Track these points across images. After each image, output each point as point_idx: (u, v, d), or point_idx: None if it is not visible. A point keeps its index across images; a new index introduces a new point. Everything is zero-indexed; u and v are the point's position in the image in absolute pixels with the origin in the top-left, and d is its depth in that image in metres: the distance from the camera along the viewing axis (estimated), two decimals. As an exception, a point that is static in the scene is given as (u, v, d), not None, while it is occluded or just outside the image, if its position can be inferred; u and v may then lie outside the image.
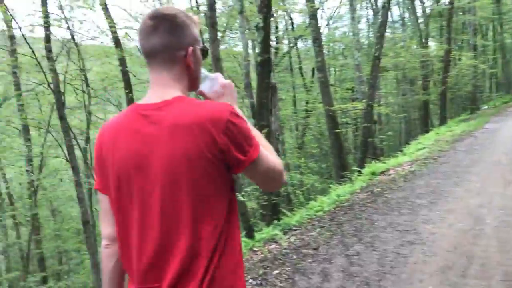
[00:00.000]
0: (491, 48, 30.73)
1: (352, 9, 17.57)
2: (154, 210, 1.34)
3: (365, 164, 14.51)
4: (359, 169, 12.00)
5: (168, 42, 1.42)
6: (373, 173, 10.47)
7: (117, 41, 14.95)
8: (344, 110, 16.05)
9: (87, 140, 14.62)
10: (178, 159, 1.30)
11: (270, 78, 9.23)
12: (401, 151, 15.48)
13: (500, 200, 6.10)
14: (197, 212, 1.32)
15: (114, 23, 14.50)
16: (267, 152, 1.44)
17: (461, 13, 25.50)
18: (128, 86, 14.31)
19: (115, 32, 14.70)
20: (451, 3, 19.89)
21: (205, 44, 1.62)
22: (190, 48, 1.46)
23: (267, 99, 8.99)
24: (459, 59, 24.46)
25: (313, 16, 14.93)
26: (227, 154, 1.32)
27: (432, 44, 29.35)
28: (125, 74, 14.17)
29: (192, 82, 1.52)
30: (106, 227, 1.52)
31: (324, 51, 25.44)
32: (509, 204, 5.88)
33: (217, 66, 8.69)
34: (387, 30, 31.02)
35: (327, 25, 25.68)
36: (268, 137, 7.94)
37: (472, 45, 25.00)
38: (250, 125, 1.43)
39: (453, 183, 7.35)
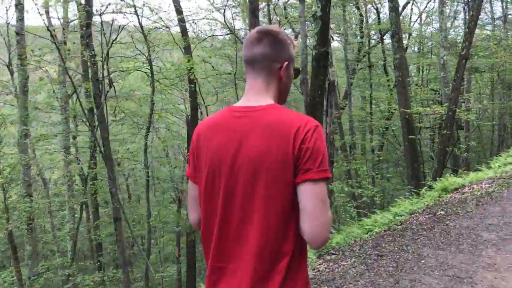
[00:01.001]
0: None
1: (441, 2, 15.80)
2: (236, 200, 1.53)
3: (442, 177, 13.02)
4: (432, 182, 10.62)
5: (268, 53, 1.62)
6: (445, 190, 9.11)
7: (184, 30, 14.57)
8: (422, 114, 14.42)
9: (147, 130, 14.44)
10: (264, 154, 1.48)
11: (328, 75, 8.23)
12: (487, 163, 13.72)
13: None
14: (268, 206, 1.48)
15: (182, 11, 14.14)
16: (327, 196, 1.50)
17: None
18: (191, 80, 13.90)
19: (183, 20, 14.32)
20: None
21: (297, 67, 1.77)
22: (285, 63, 1.64)
23: (321, 98, 7.99)
24: None
25: (393, 8, 13.51)
26: (299, 161, 1.47)
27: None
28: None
29: (281, 95, 1.69)
30: (192, 213, 1.75)
31: (407, 48, 23.71)
32: None
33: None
34: (486, 28, 28.35)
35: (416, 19, 23.79)
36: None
37: None
38: (326, 151, 1.52)
39: (537, 214, 5.94)
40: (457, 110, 12.98)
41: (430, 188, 9.98)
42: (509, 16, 26.40)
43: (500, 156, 15.12)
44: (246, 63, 1.66)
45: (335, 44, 25.10)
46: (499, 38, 22.66)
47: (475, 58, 20.44)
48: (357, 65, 20.57)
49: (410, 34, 23.14)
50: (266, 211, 1.48)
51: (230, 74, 17.34)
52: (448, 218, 6.20)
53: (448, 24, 21.79)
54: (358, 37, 21.47)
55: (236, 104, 1.63)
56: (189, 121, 14.39)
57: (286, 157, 1.46)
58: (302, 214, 1.48)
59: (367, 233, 6.58)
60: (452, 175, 12.41)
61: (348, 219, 8.74)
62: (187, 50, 14.32)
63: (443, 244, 5.04)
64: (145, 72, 15.38)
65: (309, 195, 1.46)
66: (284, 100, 1.72)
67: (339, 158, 17.59)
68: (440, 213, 6.64)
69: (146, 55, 14.59)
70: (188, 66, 13.41)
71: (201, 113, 16.10)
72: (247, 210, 1.51)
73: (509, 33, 24.50)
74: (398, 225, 6.50)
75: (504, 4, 25.30)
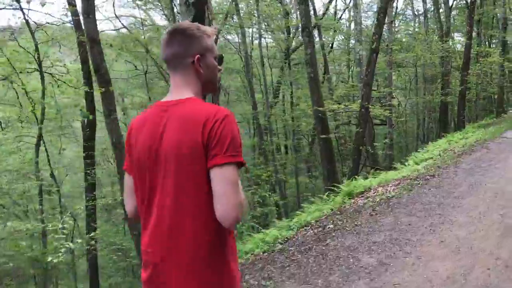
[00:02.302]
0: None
1: (355, -5, 15.25)
2: (157, 192, 1.64)
3: (358, 176, 12.40)
4: (341, 185, 9.88)
5: (177, 51, 1.71)
6: (349, 194, 8.34)
7: (78, 25, 13.08)
8: (336, 112, 13.75)
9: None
10: (178, 145, 1.56)
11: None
12: (405, 161, 13.27)
13: (486, 266, 3.91)
14: (180, 192, 1.58)
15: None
16: (238, 178, 1.55)
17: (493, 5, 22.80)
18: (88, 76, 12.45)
19: (76, 14, 12.84)
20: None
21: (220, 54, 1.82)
22: (197, 56, 1.70)
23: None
24: (484, 56, 21.70)
25: (302, 0, 12.74)
26: (208, 148, 1.53)
27: (457, 39, 26.69)
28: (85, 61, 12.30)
29: (205, 86, 1.76)
30: (128, 203, 1.84)
31: (333, 44, 23.24)
32: (499, 278, 3.69)
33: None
34: (411, 24, 28.52)
35: (341, 15, 23.37)
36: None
37: (501, 41, 22.27)
38: (238, 138, 1.58)
39: (428, 228, 5.14)
40: (372, 106, 12.38)
41: (337, 192, 9.21)
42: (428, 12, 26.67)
43: (418, 152, 14.82)
44: (165, 63, 1.78)
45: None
46: (419, 33, 22.70)
47: (397, 54, 20.29)
48: (285, 63, 19.83)
49: (335, 30, 22.79)
50: (176, 199, 1.57)
51: (142, 73, 16.05)
52: (333, 234, 5.33)
53: (370, 22, 21.49)
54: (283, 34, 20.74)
55: (163, 99, 1.73)
56: (85, 126, 12.96)
57: (196, 145, 1.53)
58: (214, 198, 1.52)
59: (246, 255, 5.61)
60: (369, 174, 11.80)
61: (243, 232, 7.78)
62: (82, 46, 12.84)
63: (312, 274, 4.11)
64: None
65: (218, 179, 1.51)
66: (213, 89, 1.81)
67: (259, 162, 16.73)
68: (329, 227, 5.78)
69: (35, 54, 12.98)
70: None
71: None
72: (164, 200, 1.60)
73: (430, 29, 24.67)
74: (281, 244, 5.56)
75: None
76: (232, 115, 1.59)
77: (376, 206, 6.59)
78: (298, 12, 12.82)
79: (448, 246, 4.48)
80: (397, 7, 32.42)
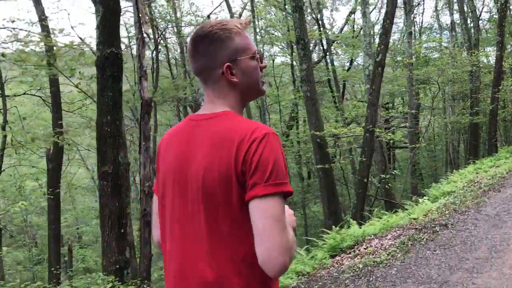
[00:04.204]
0: None
1: (364, 1, 13.30)
2: (177, 226, 1.38)
3: (364, 213, 10.36)
4: (350, 222, 8.11)
5: (204, 64, 1.43)
6: (334, 249, 6.36)
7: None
8: (338, 136, 11.72)
9: None
10: (206, 172, 1.30)
11: (121, 89, 5.51)
12: (422, 195, 11.13)
13: None
14: (211, 231, 1.30)
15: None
16: (284, 213, 1.27)
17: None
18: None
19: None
20: (504, -5, 15.08)
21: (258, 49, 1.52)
22: (225, 65, 1.41)
23: (113, 126, 5.20)
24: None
25: (295, 7, 10.93)
26: (246, 176, 1.26)
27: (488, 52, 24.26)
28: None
29: (246, 94, 1.48)
30: (154, 229, 1.58)
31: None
32: None
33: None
34: (428, 37, 26.28)
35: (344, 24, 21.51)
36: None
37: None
38: (282, 162, 1.29)
39: None
40: (376, 130, 10.32)
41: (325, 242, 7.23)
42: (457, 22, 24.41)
43: (441, 182, 12.61)
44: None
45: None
46: (444, 47, 20.53)
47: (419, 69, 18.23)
48: (293, 81, 18.06)
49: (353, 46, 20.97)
50: (210, 239, 1.30)
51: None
52: None
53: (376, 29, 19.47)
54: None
55: (198, 112, 1.49)
56: (50, 156, 11.41)
57: (228, 172, 1.27)
58: (255, 239, 1.24)
59: None
60: (371, 216, 9.71)
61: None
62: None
63: None
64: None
65: (258, 214, 1.23)
66: (258, 93, 1.52)
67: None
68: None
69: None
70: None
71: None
72: (189, 244, 1.34)
73: (457, 42, 22.41)
74: None
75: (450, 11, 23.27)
76: (274, 134, 1.30)
77: (355, 278, 4.60)
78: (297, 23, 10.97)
79: None
80: (422, 21, 30.42)
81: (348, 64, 24.32)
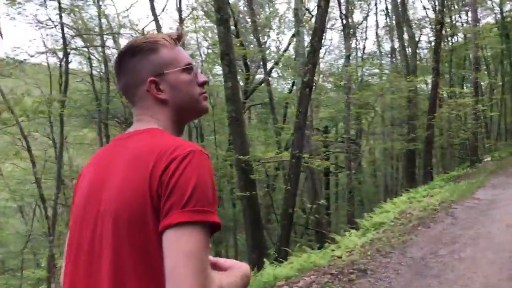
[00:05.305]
0: (499, 89, 25.44)
1: (297, 19, 12.67)
2: (82, 258, 1.11)
3: (288, 248, 9.45)
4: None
5: (127, 81, 1.24)
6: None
7: None
8: (262, 161, 10.84)
9: None
10: (118, 197, 1.05)
11: None
12: (355, 224, 10.45)
13: None
14: (117, 272, 1.02)
15: None
16: (205, 251, 0.97)
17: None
18: None
19: None
20: (439, 23, 14.95)
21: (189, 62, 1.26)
22: (149, 80, 1.20)
23: None
24: (456, 98, 19.31)
25: (220, 20, 10.07)
26: (161, 200, 1.01)
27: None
28: None
29: (181, 112, 1.24)
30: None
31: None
32: None
33: None
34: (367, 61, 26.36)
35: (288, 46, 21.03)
36: None
37: (473, 82, 19.98)
38: (208, 186, 1.02)
39: None
40: (304, 155, 9.52)
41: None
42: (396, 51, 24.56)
43: (373, 211, 11.99)
44: None
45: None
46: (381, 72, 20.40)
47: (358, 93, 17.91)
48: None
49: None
50: (115, 283, 1.01)
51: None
52: None
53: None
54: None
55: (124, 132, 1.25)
56: None
57: (143, 196, 1.01)
58: (166, 281, 0.95)
59: None
60: (291, 252, 8.80)
61: None
62: None
63: None
64: None
65: (170, 249, 0.96)
66: (197, 112, 1.27)
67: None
68: None
69: None
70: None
71: None
72: (93, 273, 1.05)
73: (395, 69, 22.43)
74: None
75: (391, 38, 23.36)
76: (202, 153, 1.06)
77: None
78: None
79: None
80: (364, 47, 30.63)
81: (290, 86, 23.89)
